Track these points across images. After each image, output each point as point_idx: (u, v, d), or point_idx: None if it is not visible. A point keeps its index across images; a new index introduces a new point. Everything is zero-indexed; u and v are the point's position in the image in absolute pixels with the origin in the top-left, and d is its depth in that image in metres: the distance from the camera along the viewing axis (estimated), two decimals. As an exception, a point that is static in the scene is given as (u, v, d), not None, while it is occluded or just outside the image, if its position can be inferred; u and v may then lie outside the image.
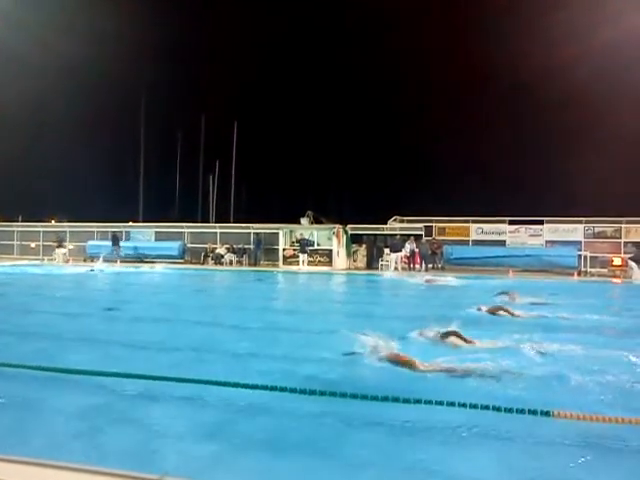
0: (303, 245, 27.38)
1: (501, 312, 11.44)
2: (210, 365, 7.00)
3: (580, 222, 28.40)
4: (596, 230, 28.19)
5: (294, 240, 28.34)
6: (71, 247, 31.91)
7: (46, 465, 3.45)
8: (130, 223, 34.82)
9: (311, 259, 27.49)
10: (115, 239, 30.72)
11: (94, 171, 46.90)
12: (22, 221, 36.86)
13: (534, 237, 28.80)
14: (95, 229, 32.83)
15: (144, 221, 37.85)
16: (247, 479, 3.88)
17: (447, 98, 45.22)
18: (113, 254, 29.66)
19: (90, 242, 31.74)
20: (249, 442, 4.40)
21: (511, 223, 29.24)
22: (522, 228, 29.06)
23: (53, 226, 35.36)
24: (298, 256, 27.42)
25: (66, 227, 33.70)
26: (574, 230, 28.38)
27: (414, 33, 44.17)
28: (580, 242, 27.81)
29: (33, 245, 33.57)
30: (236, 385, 5.28)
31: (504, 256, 26.59)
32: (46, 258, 31.22)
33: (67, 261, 29.98)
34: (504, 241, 28.99)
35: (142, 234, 32.70)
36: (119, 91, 44.96)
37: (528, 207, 30.62)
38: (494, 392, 5.47)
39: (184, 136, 46.68)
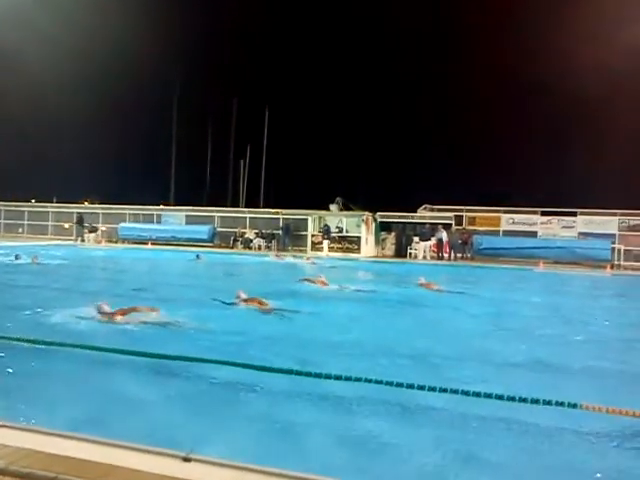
0: (324, 232, 27.50)
1: (310, 284, 13.38)
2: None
3: (615, 214, 27.74)
4: (631, 223, 27.53)
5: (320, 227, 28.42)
6: (103, 229, 32.54)
7: (71, 437, 3.42)
8: (161, 206, 35.27)
9: (339, 246, 27.50)
10: (80, 220, 31.85)
11: (127, 154, 47.61)
12: (56, 202, 37.63)
13: (567, 229, 28.23)
14: (127, 211, 33.38)
15: (175, 204, 38.28)
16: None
17: (479, 88, 44.49)
18: (79, 234, 31.74)
19: (122, 224, 32.32)
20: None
21: (543, 214, 28.72)
22: (554, 219, 28.53)
23: (86, 207, 36.01)
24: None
25: (98, 209, 34.28)
26: (608, 222, 27.75)
27: (443, 27, 43.61)
28: (614, 235, 27.17)
29: (67, 226, 34.26)
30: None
31: (535, 247, 26.06)
32: (79, 239, 31.92)
33: (99, 242, 30.63)
34: (536, 232, 28.50)
35: (173, 217, 33.15)
36: (152, 75, 45.31)
37: (561, 198, 30.01)
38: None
39: (216, 120, 46.84)
